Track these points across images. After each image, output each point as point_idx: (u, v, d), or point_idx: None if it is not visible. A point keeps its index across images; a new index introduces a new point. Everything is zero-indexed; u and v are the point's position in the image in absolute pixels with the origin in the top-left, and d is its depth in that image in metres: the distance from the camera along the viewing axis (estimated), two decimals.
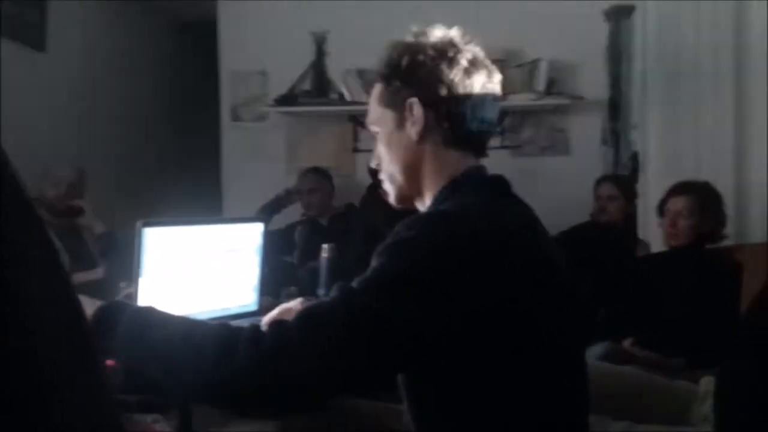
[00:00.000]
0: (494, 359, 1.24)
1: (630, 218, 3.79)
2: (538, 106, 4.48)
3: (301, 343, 1.15)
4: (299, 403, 1.39)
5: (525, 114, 4.60)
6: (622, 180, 3.96)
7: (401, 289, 1.17)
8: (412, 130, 1.39)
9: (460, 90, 1.37)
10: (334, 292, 1.22)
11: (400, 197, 1.47)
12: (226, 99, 4.95)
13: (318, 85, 4.68)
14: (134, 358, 1.26)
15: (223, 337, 1.19)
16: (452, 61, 1.38)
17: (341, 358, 1.15)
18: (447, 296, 1.18)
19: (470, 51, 1.40)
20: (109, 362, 1.28)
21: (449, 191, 1.38)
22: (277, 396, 1.22)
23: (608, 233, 3.75)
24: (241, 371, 1.16)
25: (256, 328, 1.22)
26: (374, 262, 1.23)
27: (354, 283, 1.21)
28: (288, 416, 1.47)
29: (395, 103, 1.41)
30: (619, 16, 4.21)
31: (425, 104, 1.37)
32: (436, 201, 1.39)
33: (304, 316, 1.19)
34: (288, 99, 4.65)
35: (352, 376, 1.19)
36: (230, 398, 1.27)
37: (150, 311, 1.29)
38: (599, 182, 3.94)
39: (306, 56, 4.70)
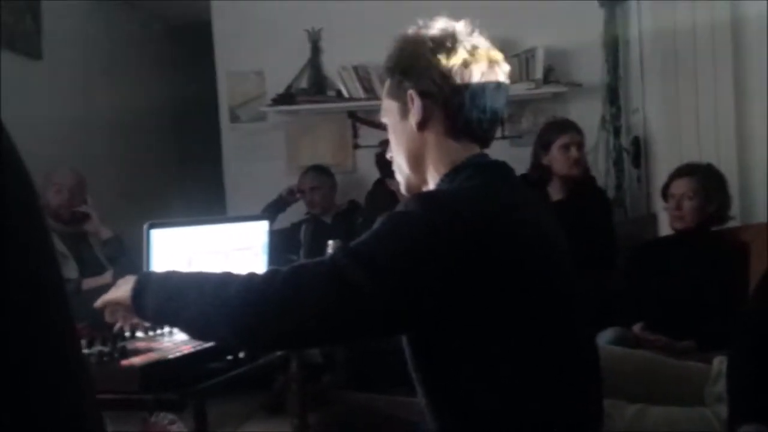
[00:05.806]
0: (485, 338, 1.26)
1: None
2: (537, 95, 4.47)
3: (280, 291, 1.23)
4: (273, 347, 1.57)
5: (523, 103, 4.58)
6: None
7: (381, 260, 1.22)
8: (413, 120, 1.41)
9: (458, 80, 1.38)
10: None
11: (408, 186, 1.51)
12: (224, 100, 4.95)
13: (315, 82, 4.68)
14: (165, 319, 1.43)
15: (223, 280, 1.31)
16: (450, 52, 1.39)
17: (305, 312, 1.22)
18: (425, 271, 1.21)
19: (471, 42, 1.41)
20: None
21: (450, 178, 1.40)
22: (254, 337, 1.30)
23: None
24: (230, 310, 1.26)
25: (253, 273, 1.31)
26: (372, 228, 1.29)
27: (351, 244, 1.27)
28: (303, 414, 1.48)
29: (398, 94, 1.44)
30: (614, 1, 4.20)
31: (424, 95, 1.39)
32: (438, 187, 1.42)
33: (294, 267, 1.27)
34: (285, 98, 4.66)
35: (314, 331, 1.26)
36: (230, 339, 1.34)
37: (168, 277, 1.40)
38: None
39: (301, 54, 4.70)
